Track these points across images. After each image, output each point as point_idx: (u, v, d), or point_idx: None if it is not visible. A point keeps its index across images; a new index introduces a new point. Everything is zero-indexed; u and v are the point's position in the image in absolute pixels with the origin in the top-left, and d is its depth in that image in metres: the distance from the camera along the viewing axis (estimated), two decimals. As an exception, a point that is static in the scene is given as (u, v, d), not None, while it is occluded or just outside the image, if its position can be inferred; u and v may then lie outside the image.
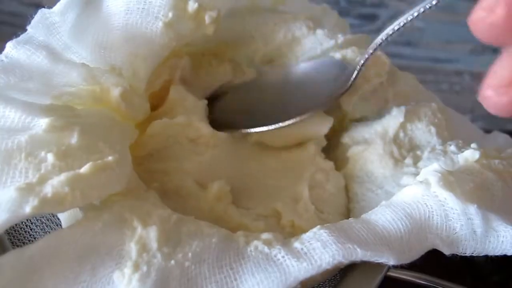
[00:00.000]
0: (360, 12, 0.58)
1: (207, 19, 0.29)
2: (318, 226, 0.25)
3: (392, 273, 0.27)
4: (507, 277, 0.42)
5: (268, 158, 0.34)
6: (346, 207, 0.33)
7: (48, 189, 0.21)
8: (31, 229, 0.29)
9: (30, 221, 0.29)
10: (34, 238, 0.29)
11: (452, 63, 0.60)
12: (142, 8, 0.28)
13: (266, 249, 0.23)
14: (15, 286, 0.20)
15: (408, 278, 0.28)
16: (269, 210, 0.31)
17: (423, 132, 0.34)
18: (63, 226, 0.26)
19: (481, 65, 0.55)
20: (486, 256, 0.26)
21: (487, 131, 0.36)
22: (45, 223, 0.29)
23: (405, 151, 0.33)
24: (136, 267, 0.21)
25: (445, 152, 0.32)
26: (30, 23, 0.28)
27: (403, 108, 0.34)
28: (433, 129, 0.34)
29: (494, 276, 0.42)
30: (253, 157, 0.34)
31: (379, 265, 0.26)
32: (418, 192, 0.26)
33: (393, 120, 0.34)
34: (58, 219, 0.28)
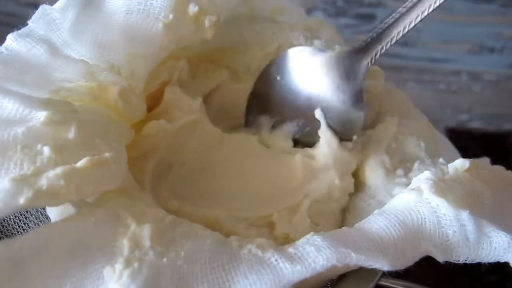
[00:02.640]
0: (357, 12, 0.58)
1: (207, 22, 0.30)
2: (312, 233, 0.25)
3: (383, 282, 0.27)
4: (504, 277, 0.42)
5: (272, 160, 0.33)
6: (342, 221, 0.33)
7: (43, 181, 0.21)
8: (19, 226, 0.28)
9: (18, 217, 0.29)
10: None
11: (450, 63, 0.60)
12: (143, 9, 0.28)
13: (259, 252, 0.23)
14: (2, 278, 0.19)
15: (400, 287, 0.28)
16: (262, 220, 0.30)
17: (413, 145, 0.35)
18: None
19: (479, 65, 0.55)
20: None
21: (485, 130, 0.36)
22: (33, 221, 0.29)
23: (396, 162, 0.33)
24: (128, 263, 0.21)
25: (435, 164, 0.32)
26: (30, 18, 0.28)
27: (395, 119, 0.34)
28: (422, 144, 0.35)
29: (492, 276, 0.42)
30: (257, 156, 0.33)
31: (371, 273, 0.26)
32: (410, 199, 0.26)
33: (386, 129, 0.34)
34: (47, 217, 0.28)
